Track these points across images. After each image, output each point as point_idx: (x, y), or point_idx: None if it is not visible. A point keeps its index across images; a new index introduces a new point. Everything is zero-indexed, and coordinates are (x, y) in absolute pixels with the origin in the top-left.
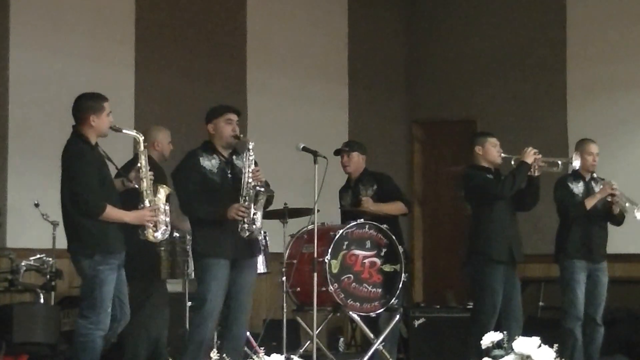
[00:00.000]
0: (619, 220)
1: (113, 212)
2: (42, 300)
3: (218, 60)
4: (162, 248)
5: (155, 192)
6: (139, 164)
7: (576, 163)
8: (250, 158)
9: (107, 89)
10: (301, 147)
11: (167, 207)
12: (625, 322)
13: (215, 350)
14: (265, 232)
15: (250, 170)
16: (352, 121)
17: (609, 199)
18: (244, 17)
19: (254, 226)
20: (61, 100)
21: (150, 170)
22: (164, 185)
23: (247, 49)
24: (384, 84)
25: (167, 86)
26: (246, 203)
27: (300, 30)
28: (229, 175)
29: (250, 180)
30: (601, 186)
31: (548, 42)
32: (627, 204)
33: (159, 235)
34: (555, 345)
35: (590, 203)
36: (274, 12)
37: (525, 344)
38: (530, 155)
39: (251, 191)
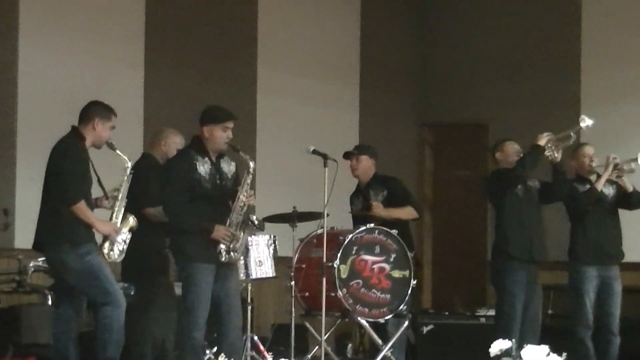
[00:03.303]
0: (638, 198)
1: (86, 210)
2: (50, 302)
3: (228, 61)
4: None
5: (123, 219)
6: (119, 185)
7: (588, 122)
8: (248, 181)
9: (116, 88)
10: (311, 149)
11: (128, 236)
12: (638, 333)
13: (223, 355)
14: (274, 236)
15: (246, 195)
16: (363, 123)
17: (615, 176)
18: (255, 17)
19: (233, 254)
20: (70, 100)
21: (142, 175)
22: (133, 217)
23: (258, 50)
24: (395, 87)
25: (177, 86)
26: (233, 228)
27: (312, 31)
28: (218, 182)
29: (242, 205)
30: (609, 186)
31: (562, 45)
32: (632, 164)
33: (113, 256)
34: (564, 354)
35: (599, 185)
36: (285, 13)
37: (534, 352)
38: (542, 138)
39: (240, 217)
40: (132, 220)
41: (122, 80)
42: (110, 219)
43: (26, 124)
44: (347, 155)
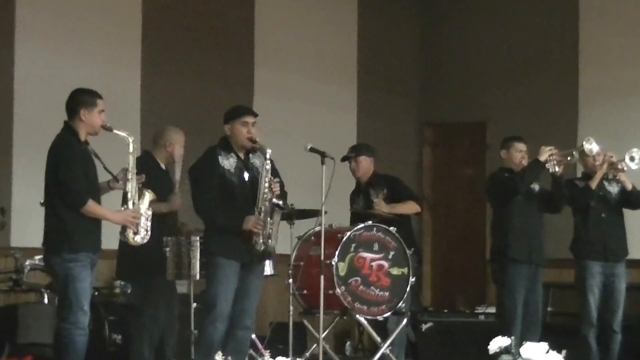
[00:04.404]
0: (636, 199)
1: (96, 208)
2: (46, 301)
3: (225, 61)
4: (168, 249)
5: (140, 196)
6: (126, 165)
7: (593, 146)
8: (267, 167)
9: (113, 88)
10: (309, 147)
11: (150, 212)
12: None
13: (220, 352)
14: None
15: (267, 180)
16: (361, 123)
17: (612, 174)
18: (252, 17)
19: (270, 241)
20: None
21: (140, 173)
22: (149, 190)
23: (255, 50)
24: (394, 86)
25: (174, 86)
26: (262, 216)
27: (309, 31)
28: (246, 176)
29: (266, 191)
30: (615, 184)
31: (560, 46)
32: (625, 160)
33: (138, 239)
34: (564, 351)
35: (594, 183)
36: (282, 12)
37: (533, 349)
38: (544, 153)
39: (267, 203)
40: (149, 195)
41: (119, 81)
42: (125, 200)
43: (22, 124)
44: (345, 159)
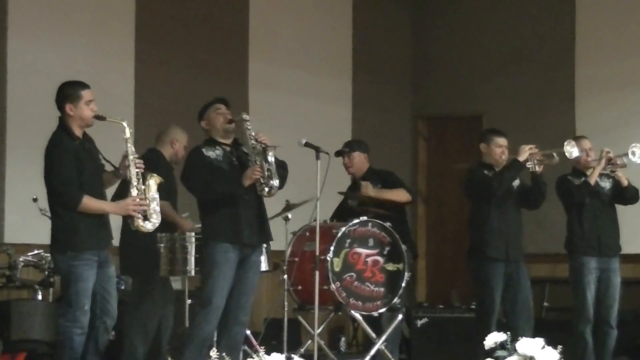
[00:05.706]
0: (633, 194)
1: (92, 203)
2: (40, 297)
3: (219, 53)
4: (162, 245)
5: (144, 180)
6: (125, 153)
7: (574, 150)
8: (248, 127)
9: (107, 81)
10: (303, 142)
11: (157, 196)
12: (633, 325)
13: (215, 349)
14: None
15: (252, 136)
16: (356, 116)
17: (609, 170)
18: (247, 9)
19: (272, 182)
20: None
21: (140, 158)
22: (154, 175)
23: (249, 42)
24: (389, 79)
25: (168, 79)
26: (257, 165)
27: (304, 23)
28: (235, 162)
29: (254, 143)
30: (606, 179)
31: (557, 38)
32: (624, 159)
33: (149, 225)
34: (560, 347)
35: (593, 178)
36: (277, 5)
37: (529, 345)
38: (524, 152)
39: (258, 155)
40: (154, 179)
41: (112, 74)
42: (129, 187)
43: (16, 120)
44: (338, 154)
